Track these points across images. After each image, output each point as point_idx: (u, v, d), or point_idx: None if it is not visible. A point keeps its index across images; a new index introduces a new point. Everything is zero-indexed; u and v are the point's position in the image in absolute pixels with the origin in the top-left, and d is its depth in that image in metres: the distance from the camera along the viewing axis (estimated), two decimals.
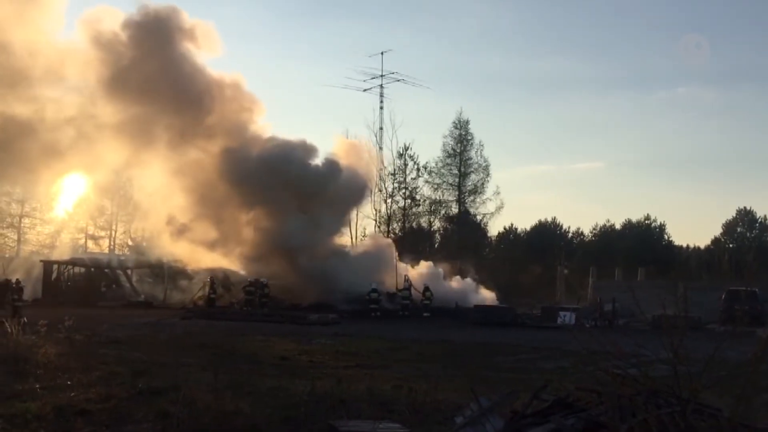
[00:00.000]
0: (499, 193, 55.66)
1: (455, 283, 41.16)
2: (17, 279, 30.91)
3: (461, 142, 55.58)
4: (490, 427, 6.29)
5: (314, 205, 38.34)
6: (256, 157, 38.13)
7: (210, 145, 38.77)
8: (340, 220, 42.54)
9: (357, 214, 54.08)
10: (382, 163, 54.30)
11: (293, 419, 8.61)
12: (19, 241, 57.49)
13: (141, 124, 37.15)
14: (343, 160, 41.59)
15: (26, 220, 57.11)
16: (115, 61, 36.85)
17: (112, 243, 62.82)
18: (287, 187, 37.06)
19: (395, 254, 40.79)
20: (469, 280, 42.11)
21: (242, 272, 38.49)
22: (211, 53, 42.96)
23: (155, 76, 36.77)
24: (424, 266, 41.36)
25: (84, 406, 9.22)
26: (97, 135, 36.94)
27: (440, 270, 41.68)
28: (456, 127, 55.77)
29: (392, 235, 54.74)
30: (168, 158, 38.60)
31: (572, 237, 72.36)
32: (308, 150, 40.79)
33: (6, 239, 58.15)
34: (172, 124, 37.90)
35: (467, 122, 55.94)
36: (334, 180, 39.29)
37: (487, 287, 41.55)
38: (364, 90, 54.76)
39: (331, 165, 40.45)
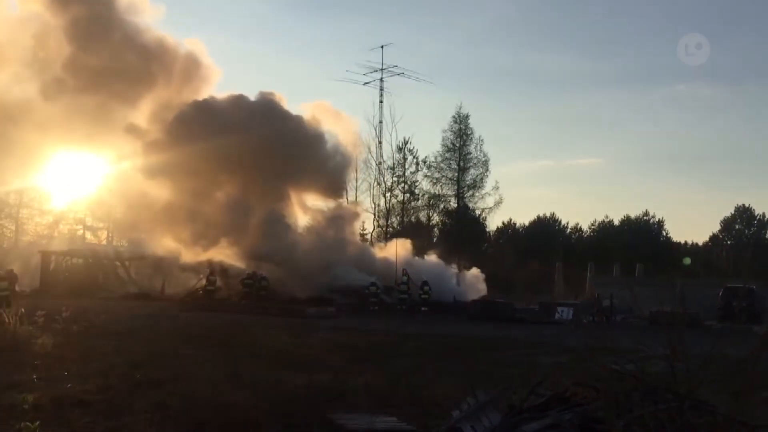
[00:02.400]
0: (498, 188, 55.54)
1: (430, 263, 41.00)
2: (11, 269, 30.69)
3: (461, 136, 55.45)
4: (487, 422, 6.30)
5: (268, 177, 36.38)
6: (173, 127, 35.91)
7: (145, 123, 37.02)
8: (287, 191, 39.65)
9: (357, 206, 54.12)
10: (381, 156, 54.35)
11: (291, 412, 8.63)
12: (17, 231, 57.43)
13: (74, 104, 35.67)
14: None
15: (24, 211, 57.06)
16: (42, 34, 35.80)
17: (110, 234, 62.79)
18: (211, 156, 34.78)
19: (359, 226, 39.90)
20: (434, 257, 42.07)
21: (241, 265, 38.35)
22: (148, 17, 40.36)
23: (80, 51, 35.43)
24: (395, 245, 40.72)
25: (82, 397, 9.22)
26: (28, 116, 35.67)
27: (409, 247, 41.27)
28: (456, 122, 55.63)
29: (390, 229, 54.83)
30: (98, 140, 37.26)
31: (571, 232, 72.43)
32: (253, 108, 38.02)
33: (4, 230, 58.11)
34: (101, 100, 36.11)
35: (467, 117, 55.80)
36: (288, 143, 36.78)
37: (487, 282, 41.56)
38: (364, 84, 54.68)
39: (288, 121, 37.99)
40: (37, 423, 7.37)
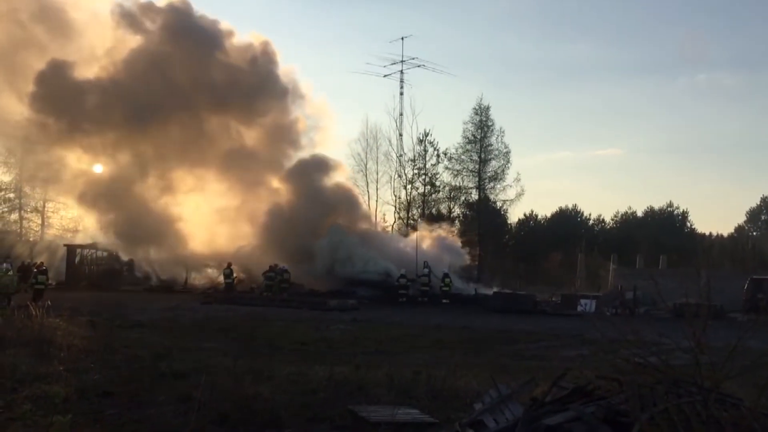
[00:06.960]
0: (519, 180, 55.18)
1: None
2: (41, 262, 31.19)
3: (482, 128, 55.07)
4: (509, 414, 6.28)
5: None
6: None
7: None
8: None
9: (377, 201, 54.17)
10: (402, 149, 54.28)
11: (312, 404, 8.67)
12: (43, 225, 58.12)
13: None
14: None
15: (50, 205, 57.70)
16: None
17: None
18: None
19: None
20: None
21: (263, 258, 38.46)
22: None
23: None
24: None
25: (107, 389, 9.34)
26: None
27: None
28: (476, 113, 55.24)
29: (411, 221, 54.73)
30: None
31: (593, 224, 71.86)
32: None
33: (30, 223, 58.82)
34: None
35: (488, 108, 55.39)
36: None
37: (507, 275, 41.43)
38: (385, 76, 54.73)
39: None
40: (69, 416, 7.43)
